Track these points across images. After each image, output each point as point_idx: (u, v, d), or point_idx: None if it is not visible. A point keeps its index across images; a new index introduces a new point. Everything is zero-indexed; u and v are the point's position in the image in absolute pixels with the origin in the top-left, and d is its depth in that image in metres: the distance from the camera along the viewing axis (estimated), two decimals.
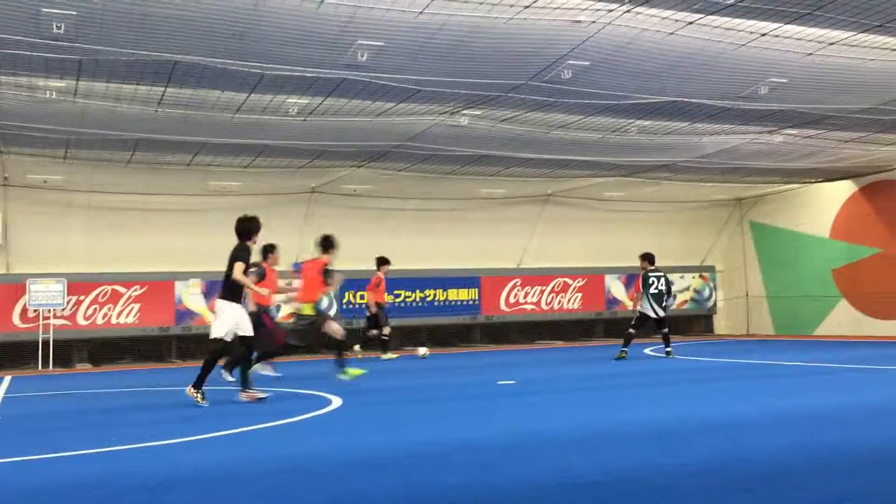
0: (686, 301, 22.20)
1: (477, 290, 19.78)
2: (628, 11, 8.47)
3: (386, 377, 11.45)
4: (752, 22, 8.88)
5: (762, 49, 9.71)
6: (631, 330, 14.13)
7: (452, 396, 8.82)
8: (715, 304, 22.67)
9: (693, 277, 22.44)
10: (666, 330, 14.19)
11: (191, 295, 17.30)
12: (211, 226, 17.31)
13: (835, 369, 10.68)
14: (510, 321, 20.13)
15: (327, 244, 10.91)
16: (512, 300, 20.15)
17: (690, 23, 8.81)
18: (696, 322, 22.58)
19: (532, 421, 6.76)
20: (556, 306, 20.50)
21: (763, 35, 9.26)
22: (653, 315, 14.03)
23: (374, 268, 15.59)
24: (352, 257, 18.24)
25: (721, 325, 22.88)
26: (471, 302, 19.70)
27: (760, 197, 21.67)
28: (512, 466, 4.82)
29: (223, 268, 7.82)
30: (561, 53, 9.63)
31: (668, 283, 14.38)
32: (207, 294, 17.38)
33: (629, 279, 21.62)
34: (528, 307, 20.25)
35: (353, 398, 8.65)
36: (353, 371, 10.62)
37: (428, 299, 19.24)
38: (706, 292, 22.60)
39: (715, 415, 6.67)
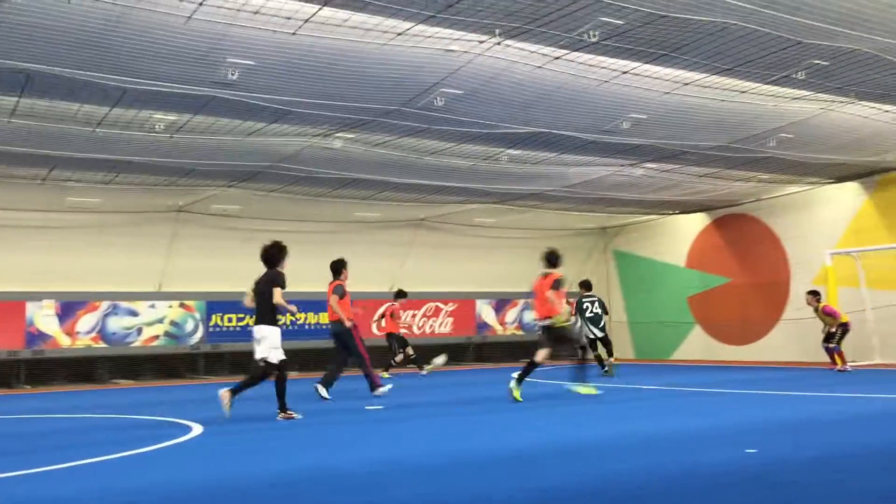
0: None
1: None
2: (498, 44, 8.71)
3: (250, 405, 11.17)
4: (613, 60, 9.32)
5: (623, 86, 10.19)
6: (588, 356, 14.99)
7: (317, 423, 8.68)
8: (581, 330, 23.36)
9: None
10: (609, 346, 15.62)
11: (44, 316, 16.35)
12: (68, 244, 16.49)
13: (689, 393, 11.20)
14: (382, 345, 20.04)
15: (556, 259, 11.06)
16: (384, 324, 20.09)
17: (557, 58, 9.14)
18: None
19: (396, 448, 6.73)
20: (427, 330, 20.63)
21: (624, 73, 9.73)
22: (592, 336, 15.17)
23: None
24: (220, 279, 17.81)
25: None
26: None
27: (623, 227, 22.63)
28: (374, 494, 4.78)
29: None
30: (434, 81, 9.78)
31: (602, 304, 15.61)
32: (62, 316, 16.49)
33: (499, 304, 22.04)
34: (401, 331, 20.22)
35: (214, 426, 8.38)
36: (587, 388, 10.77)
37: (298, 322, 18.95)
38: (573, 318, 23.28)
39: (576, 438, 6.83)
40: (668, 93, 10.51)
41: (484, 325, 21.72)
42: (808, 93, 10.79)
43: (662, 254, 21.60)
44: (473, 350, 21.63)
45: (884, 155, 14.56)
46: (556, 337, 10.52)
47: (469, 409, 9.79)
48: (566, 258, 23.25)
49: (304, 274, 18.94)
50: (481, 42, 8.67)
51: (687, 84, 10.23)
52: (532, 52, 9.01)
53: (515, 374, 10.40)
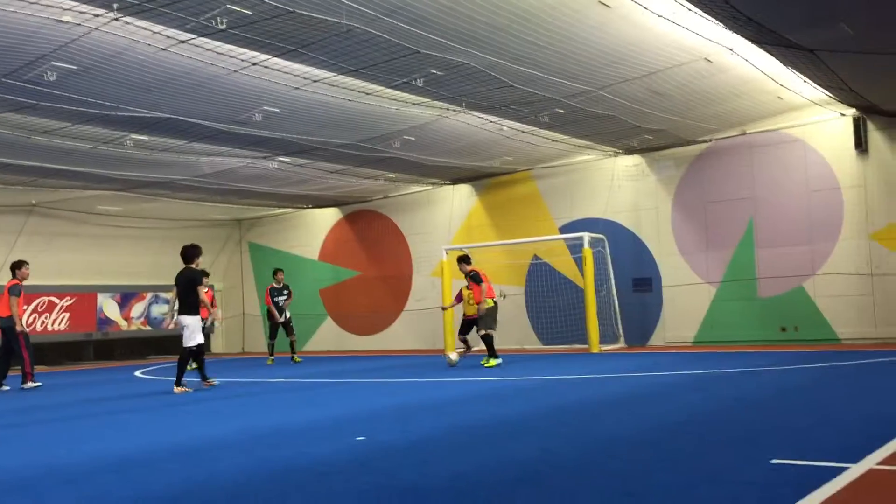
0: None
1: None
2: (117, 20, 8.14)
3: None
4: (243, 50, 9.21)
5: (254, 78, 10.12)
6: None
7: None
8: (213, 323, 22.84)
9: None
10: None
11: None
12: None
13: (312, 384, 11.46)
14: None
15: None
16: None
17: (183, 41, 8.79)
18: None
19: None
20: (38, 328, 18.67)
21: (254, 64, 9.66)
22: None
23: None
24: None
25: (219, 343, 23.15)
26: None
27: (258, 219, 22.56)
28: None
29: None
30: (42, 53, 8.85)
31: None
32: None
33: (124, 298, 20.72)
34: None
35: None
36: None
37: None
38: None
39: (184, 439, 6.53)
40: (298, 88, 10.64)
41: (106, 321, 20.25)
42: (425, 99, 11.63)
43: (297, 247, 21.92)
44: (94, 348, 20.07)
45: (490, 161, 16.24)
46: None
47: (70, 412, 9.04)
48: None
49: None
50: (97, 16, 8.03)
51: (316, 81, 10.44)
52: (155, 32, 8.56)
53: None
